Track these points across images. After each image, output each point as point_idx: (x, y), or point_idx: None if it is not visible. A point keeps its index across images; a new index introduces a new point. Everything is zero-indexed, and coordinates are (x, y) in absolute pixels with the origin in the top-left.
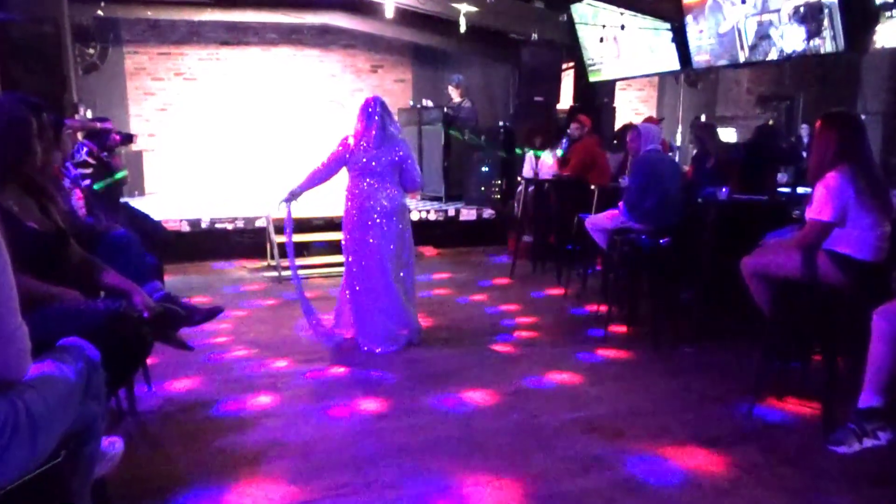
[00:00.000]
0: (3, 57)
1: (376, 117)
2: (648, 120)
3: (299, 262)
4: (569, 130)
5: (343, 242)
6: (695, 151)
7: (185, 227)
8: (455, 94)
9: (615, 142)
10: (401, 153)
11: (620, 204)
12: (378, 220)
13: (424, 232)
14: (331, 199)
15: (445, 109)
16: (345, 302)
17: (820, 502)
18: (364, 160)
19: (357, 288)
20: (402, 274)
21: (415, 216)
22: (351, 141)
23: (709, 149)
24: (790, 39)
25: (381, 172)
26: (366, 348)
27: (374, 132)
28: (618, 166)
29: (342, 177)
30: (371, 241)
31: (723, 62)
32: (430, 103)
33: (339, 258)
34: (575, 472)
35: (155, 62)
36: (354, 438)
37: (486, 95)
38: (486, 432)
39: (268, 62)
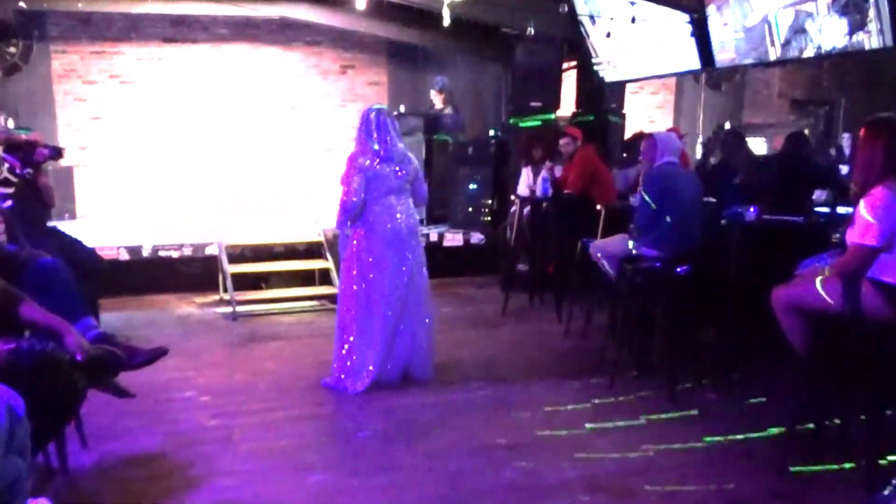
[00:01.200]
0: None
1: (386, 128)
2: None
3: (256, 294)
4: (560, 148)
5: (353, 272)
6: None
7: (124, 256)
8: (438, 100)
9: (625, 154)
10: (413, 165)
11: (630, 226)
12: (405, 242)
13: None
14: (293, 223)
15: (428, 115)
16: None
17: None
18: (387, 176)
19: (361, 322)
20: (424, 302)
21: None
22: (360, 164)
23: (733, 162)
24: (830, 34)
25: (399, 188)
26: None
27: (391, 143)
28: (626, 182)
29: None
30: (402, 266)
31: (750, 60)
32: (405, 109)
33: (304, 291)
34: None
35: (87, 62)
36: (321, 501)
37: (474, 100)
38: (474, 494)
39: (218, 62)
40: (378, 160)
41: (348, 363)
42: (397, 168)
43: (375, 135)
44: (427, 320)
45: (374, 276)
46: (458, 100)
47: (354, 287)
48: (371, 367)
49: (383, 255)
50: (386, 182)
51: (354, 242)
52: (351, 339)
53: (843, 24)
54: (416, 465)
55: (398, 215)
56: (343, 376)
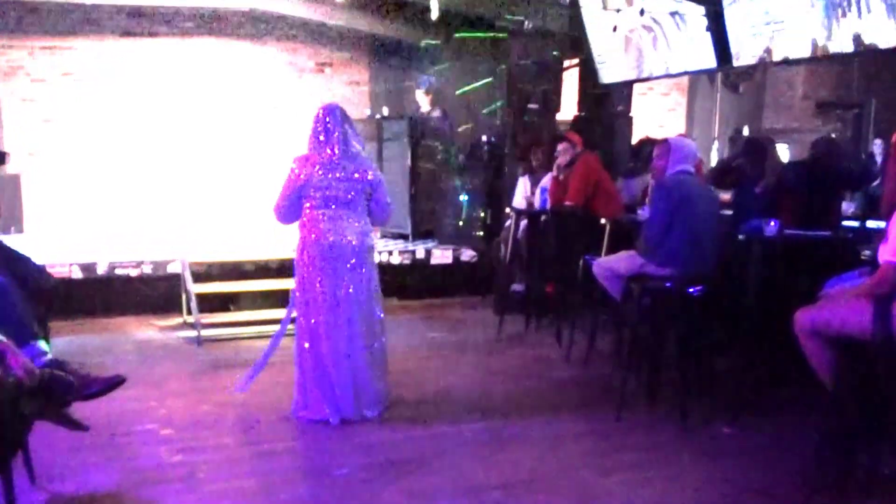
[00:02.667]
0: None
1: (337, 130)
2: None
3: (224, 316)
4: (557, 156)
5: (295, 293)
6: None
7: (77, 274)
8: (424, 102)
9: (631, 164)
10: (370, 175)
11: (638, 242)
12: (347, 263)
13: (386, 279)
14: (264, 240)
15: (414, 118)
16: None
17: None
18: (325, 185)
19: (306, 346)
20: (375, 330)
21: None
22: (299, 168)
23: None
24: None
25: (348, 200)
26: (307, 416)
27: (335, 149)
28: (632, 194)
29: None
30: (337, 290)
31: (771, 58)
32: (388, 112)
33: (277, 313)
34: None
35: (36, 59)
36: None
37: (465, 102)
38: None
39: (182, 59)
40: (321, 166)
41: (307, 392)
42: (349, 176)
43: (323, 137)
44: (369, 352)
45: (317, 300)
46: (447, 102)
47: (302, 309)
48: (323, 401)
49: (321, 276)
50: (328, 192)
51: (299, 262)
52: (302, 365)
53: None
54: None
55: (341, 231)
56: (308, 406)
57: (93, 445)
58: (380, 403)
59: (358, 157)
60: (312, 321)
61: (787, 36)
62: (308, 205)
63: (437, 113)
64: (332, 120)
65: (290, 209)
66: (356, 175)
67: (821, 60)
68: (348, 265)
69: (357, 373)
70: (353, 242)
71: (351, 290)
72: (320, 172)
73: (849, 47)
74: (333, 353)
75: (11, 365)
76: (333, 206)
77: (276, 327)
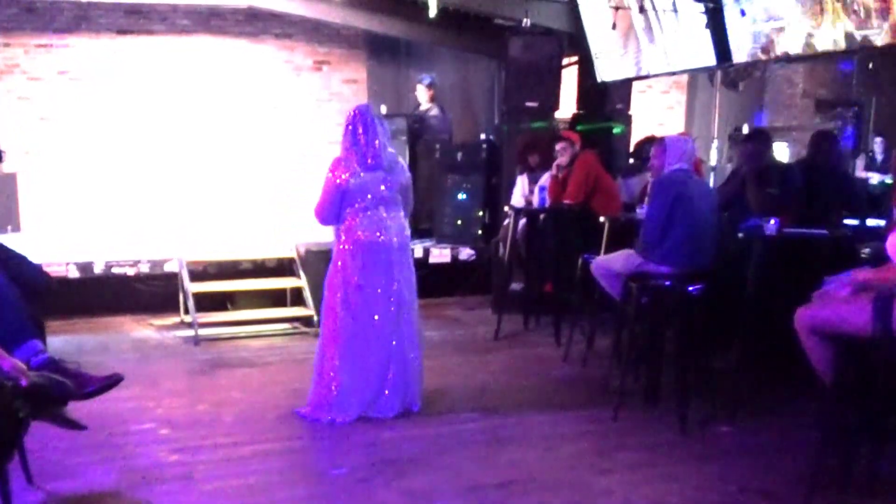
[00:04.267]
0: None
1: (375, 131)
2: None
3: (221, 316)
4: (556, 154)
5: (329, 295)
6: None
7: (74, 273)
8: (425, 98)
9: (631, 161)
10: (406, 172)
11: (637, 241)
12: (396, 261)
13: None
14: (261, 239)
15: (413, 116)
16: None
17: None
18: (369, 186)
19: (348, 348)
20: (419, 323)
21: None
22: (340, 170)
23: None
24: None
25: (390, 199)
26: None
27: (376, 150)
28: (631, 192)
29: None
30: (390, 287)
31: (772, 55)
32: (387, 110)
33: (275, 312)
34: None
35: (32, 57)
36: None
37: (463, 100)
38: None
39: (179, 57)
40: (364, 168)
41: (332, 391)
42: (387, 177)
43: (363, 138)
44: (419, 346)
45: (361, 299)
46: (445, 100)
47: (339, 310)
48: (357, 400)
49: (371, 275)
50: (372, 192)
51: (339, 263)
52: (336, 365)
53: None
54: None
55: (387, 230)
56: (322, 407)
57: (90, 445)
58: (421, 396)
59: (394, 156)
60: (363, 320)
61: (786, 33)
62: (352, 206)
63: (434, 111)
64: (369, 121)
65: (332, 211)
66: (393, 175)
67: (816, 59)
68: (397, 263)
69: (411, 365)
70: (401, 237)
71: (402, 287)
72: (362, 174)
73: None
74: (388, 348)
75: (6, 368)
76: (378, 207)
77: (274, 326)
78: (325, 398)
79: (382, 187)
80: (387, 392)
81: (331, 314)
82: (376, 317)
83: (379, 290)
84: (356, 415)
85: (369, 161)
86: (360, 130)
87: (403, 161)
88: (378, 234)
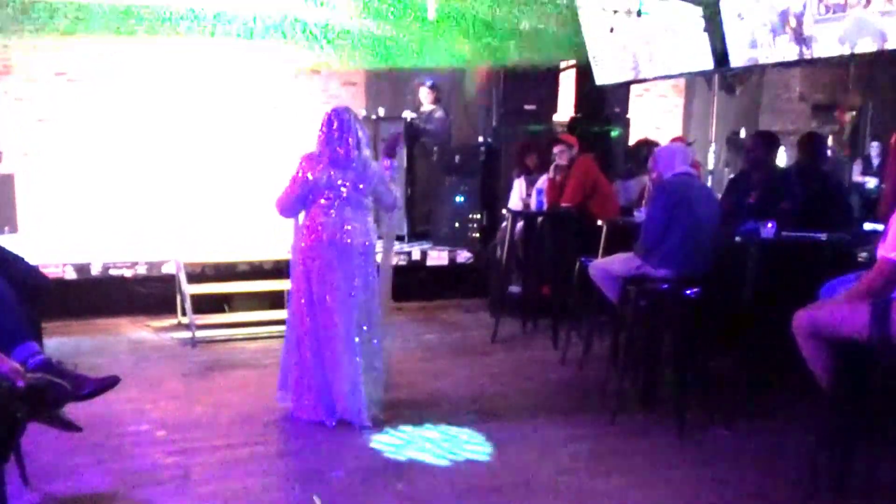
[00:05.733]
0: None
1: (349, 130)
2: (676, 141)
3: (218, 318)
4: (555, 157)
5: (294, 291)
6: (731, 176)
7: (71, 274)
8: (427, 100)
9: (628, 165)
10: (374, 171)
11: (635, 244)
12: (355, 263)
13: None
14: (258, 241)
15: (409, 119)
16: (294, 367)
17: None
18: (336, 185)
19: (309, 348)
20: (376, 330)
21: None
22: (309, 165)
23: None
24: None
25: (356, 200)
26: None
27: (348, 149)
28: (628, 195)
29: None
30: (348, 290)
31: (769, 59)
32: (384, 113)
33: (271, 314)
34: None
35: (29, 58)
36: None
37: (461, 103)
38: None
39: (176, 58)
40: (333, 166)
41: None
42: (357, 178)
43: (336, 134)
44: (380, 353)
45: (319, 298)
46: (443, 102)
47: (302, 307)
48: (325, 404)
49: (330, 274)
50: (339, 191)
51: (300, 262)
52: (297, 363)
53: None
54: None
55: (350, 232)
56: (302, 408)
57: (86, 447)
58: (379, 404)
59: (367, 159)
60: (318, 321)
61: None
62: (317, 203)
63: (439, 113)
64: (344, 119)
65: (294, 204)
66: (367, 178)
67: (813, 63)
68: (357, 265)
69: (358, 373)
70: (363, 242)
71: (359, 290)
72: (332, 172)
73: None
74: (338, 353)
75: (0, 369)
76: (342, 206)
77: (271, 328)
78: (302, 399)
79: (349, 186)
80: (338, 396)
81: (293, 313)
82: (335, 318)
83: (338, 292)
84: (319, 418)
85: (340, 159)
86: (335, 127)
87: (375, 164)
88: (340, 235)
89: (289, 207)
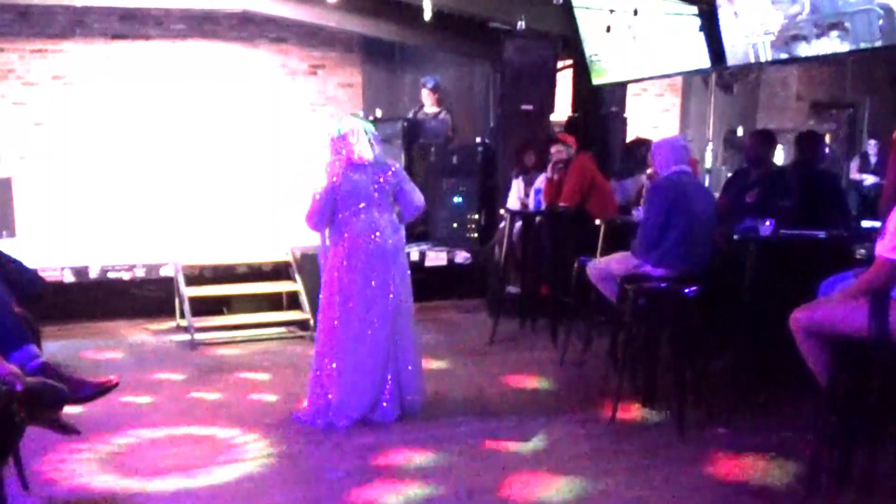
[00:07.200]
0: None
1: (359, 134)
2: None
3: (217, 320)
4: (552, 157)
5: (334, 297)
6: (729, 174)
7: (69, 277)
8: (430, 101)
9: (625, 164)
10: (395, 169)
11: (633, 243)
12: (391, 262)
13: None
14: (257, 243)
15: (409, 120)
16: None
17: None
18: (357, 188)
19: (344, 352)
20: (413, 324)
21: None
22: (331, 173)
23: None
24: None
25: (379, 201)
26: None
27: (361, 152)
28: (626, 194)
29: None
30: (387, 289)
31: (766, 58)
32: (382, 114)
33: (271, 316)
34: None
35: (27, 62)
36: None
37: (459, 103)
38: None
39: (173, 61)
40: (352, 170)
41: (329, 397)
42: (375, 177)
43: (353, 139)
44: (416, 348)
45: (358, 302)
46: (447, 104)
47: (337, 312)
48: (356, 405)
49: (367, 277)
50: (364, 194)
51: (335, 267)
52: (333, 370)
53: None
54: None
55: (382, 231)
56: (320, 411)
57: (85, 450)
58: (424, 398)
59: (380, 156)
60: (361, 324)
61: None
62: (346, 210)
63: (444, 115)
64: (353, 126)
65: (323, 215)
66: (384, 174)
67: (810, 61)
68: (393, 265)
69: (410, 368)
70: (394, 242)
71: (399, 289)
72: (352, 175)
73: (837, 48)
74: (386, 352)
75: (1, 373)
76: (371, 209)
77: (270, 330)
78: (323, 403)
79: (373, 188)
80: (386, 398)
81: (327, 319)
82: (375, 320)
83: (377, 294)
84: (355, 418)
85: (356, 164)
86: (348, 132)
87: (393, 161)
88: (373, 235)
89: (319, 220)
